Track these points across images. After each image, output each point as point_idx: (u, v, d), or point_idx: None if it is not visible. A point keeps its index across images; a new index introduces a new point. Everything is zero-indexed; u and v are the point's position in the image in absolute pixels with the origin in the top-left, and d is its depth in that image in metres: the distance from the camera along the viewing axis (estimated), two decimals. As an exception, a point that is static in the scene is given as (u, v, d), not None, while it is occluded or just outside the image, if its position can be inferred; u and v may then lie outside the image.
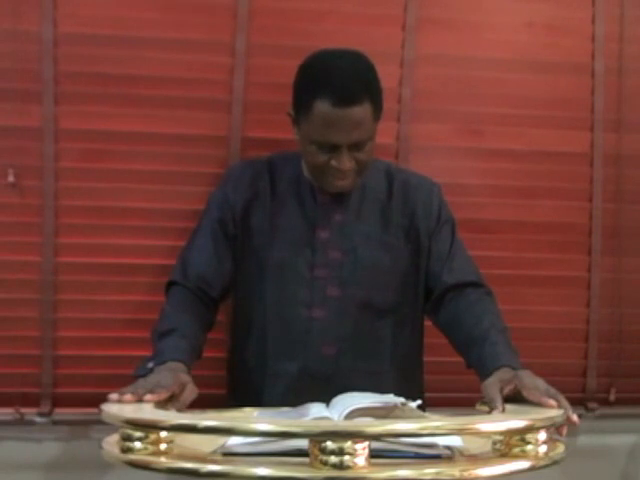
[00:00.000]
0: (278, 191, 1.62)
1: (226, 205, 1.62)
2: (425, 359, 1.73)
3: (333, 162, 1.49)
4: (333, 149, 1.48)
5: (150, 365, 1.39)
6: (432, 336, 1.69)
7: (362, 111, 1.46)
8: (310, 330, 1.56)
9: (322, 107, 1.45)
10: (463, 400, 1.79)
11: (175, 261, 1.66)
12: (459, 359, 1.56)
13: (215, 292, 1.60)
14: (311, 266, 1.58)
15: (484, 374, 1.38)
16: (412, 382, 1.64)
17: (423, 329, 1.69)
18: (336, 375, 1.54)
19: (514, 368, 1.36)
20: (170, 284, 1.62)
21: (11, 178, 1.81)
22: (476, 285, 1.61)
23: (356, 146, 1.48)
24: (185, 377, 1.33)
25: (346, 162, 1.49)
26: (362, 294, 1.58)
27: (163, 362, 1.38)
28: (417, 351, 1.69)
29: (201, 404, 1.34)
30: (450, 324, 1.58)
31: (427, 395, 1.68)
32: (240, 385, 1.65)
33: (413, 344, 1.67)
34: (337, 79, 1.47)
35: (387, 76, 1.94)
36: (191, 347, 1.47)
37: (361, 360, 1.57)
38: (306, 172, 1.61)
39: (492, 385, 1.29)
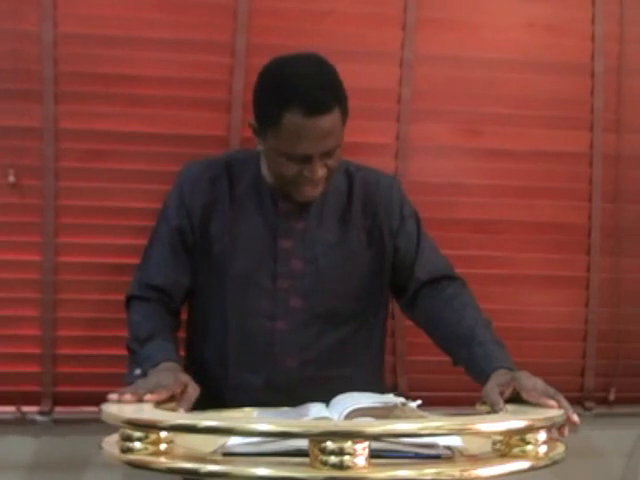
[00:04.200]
0: (237, 196, 1.57)
1: (183, 211, 1.56)
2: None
3: (306, 172, 1.45)
4: (304, 159, 1.44)
5: (138, 372, 1.37)
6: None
7: (333, 119, 1.42)
8: (273, 342, 1.53)
9: (292, 119, 1.40)
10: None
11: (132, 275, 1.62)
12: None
13: (176, 303, 1.58)
14: (273, 277, 1.54)
15: (480, 377, 1.38)
16: (377, 383, 1.62)
17: (386, 327, 1.67)
18: (300, 385, 1.51)
19: (510, 369, 1.36)
20: (130, 298, 1.58)
21: (11, 178, 1.81)
22: (449, 278, 1.59)
23: (327, 154, 1.45)
24: (185, 376, 1.33)
25: (318, 171, 1.45)
26: (325, 304, 1.55)
27: (156, 364, 1.37)
28: (379, 349, 1.66)
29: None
30: (429, 320, 1.57)
31: (433, 394, 1.68)
32: (200, 394, 1.62)
33: (375, 344, 1.64)
34: (305, 89, 1.41)
35: (387, 76, 1.95)
36: (175, 349, 1.47)
37: (325, 368, 1.55)
38: (267, 176, 1.56)
39: (492, 390, 1.28)
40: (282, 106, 1.41)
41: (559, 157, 2.04)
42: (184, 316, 1.65)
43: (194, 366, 1.61)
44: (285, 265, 1.55)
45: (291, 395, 1.41)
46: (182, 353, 1.63)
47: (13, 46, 1.81)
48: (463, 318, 1.50)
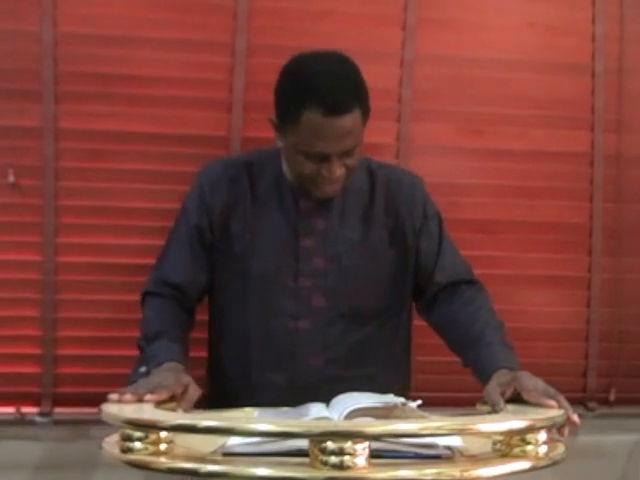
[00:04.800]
0: (258, 195, 1.57)
1: (203, 210, 1.56)
2: (419, 359, 1.71)
3: (324, 171, 1.44)
4: (323, 158, 1.43)
5: (143, 370, 1.37)
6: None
7: (353, 118, 1.41)
8: (296, 341, 1.53)
9: (312, 118, 1.39)
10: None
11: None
12: (453, 359, 1.55)
13: (191, 301, 1.58)
14: (295, 276, 1.54)
15: (482, 377, 1.38)
16: (400, 382, 1.61)
17: (411, 327, 1.67)
18: (323, 384, 1.50)
19: (511, 369, 1.36)
20: (145, 294, 1.58)
21: (11, 178, 1.81)
22: (468, 282, 1.59)
23: (346, 153, 1.44)
24: (186, 377, 1.32)
25: (337, 170, 1.44)
26: (348, 303, 1.55)
27: (159, 364, 1.37)
28: (405, 350, 1.66)
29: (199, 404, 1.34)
30: (445, 323, 1.57)
31: (435, 395, 1.68)
32: (221, 394, 1.61)
33: (400, 344, 1.64)
34: (325, 87, 1.40)
35: (387, 76, 1.95)
36: (182, 348, 1.46)
37: (348, 368, 1.54)
38: (288, 174, 1.55)
39: (493, 390, 1.28)
40: (302, 105, 1.40)
41: (560, 157, 2.04)
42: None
43: (216, 366, 1.62)
44: (307, 264, 1.54)
45: (314, 395, 1.39)
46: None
47: (13, 46, 1.81)
48: (476, 320, 1.50)
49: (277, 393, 1.51)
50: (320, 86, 1.41)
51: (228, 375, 1.58)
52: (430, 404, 1.63)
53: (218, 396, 1.61)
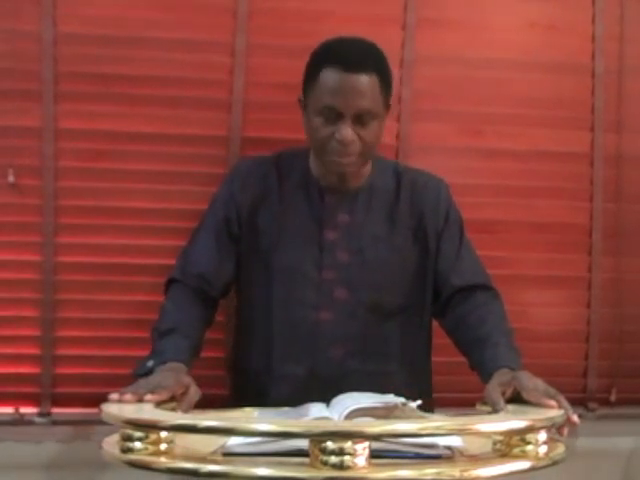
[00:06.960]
0: (285, 190, 1.61)
1: (232, 204, 1.60)
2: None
3: (337, 134, 1.47)
4: (337, 118, 1.47)
5: (150, 364, 1.39)
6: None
7: (368, 80, 1.47)
8: (317, 332, 1.55)
9: (329, 73, 1.47)
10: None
11: (175, 260, 1.65)
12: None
13: (215, 292, 1.60)
14: (319, 268, 1.57)
15: (484, 376, 1.38)
16: (421, 382, 1.63)
17: (432, 329, 1.68)
18: (343, 377, 1.52)
19: (512, 368, 1.36)
20: (170, 281, 1.61)
21: (11, 178, 1.81)
22: (484, 288, 1.60)
23: (360, 120, 1.47)
24: (187, 379, 1.33)
25: (349, 133, 1.47)
26: (370, 296, 1.57)
27: (163, 362, 1.37)
28: (425, 351, 1.68)
29: (201, 404, 1.34)
30: (456, 326, 1.58)
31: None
32: (244, 387, 1.64)
33: (421, 344, 1.66)
34: (345, 49, 1.50)
35: (387, 76, 1.94)
36: (192, 347, 1.47)
37: (369, 362, 1.56)
38: (314, 170, 1.60)
39: (493, 390, 1.28)
40: (322, 62, 1.48)
41: (560, 157, 2.04)
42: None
43: (240, 361, 1.65)
44: (330, 256, 1.57)
45: (333, 388, 1.40)
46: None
47: (12, 46, 1.81)
48: (485, 323, 1.51)
49: (297, 384, 1.54)
50: (340, 48, 1.50)
51: (251, 368, 1.61)
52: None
53: (241, 391, 1.64)
